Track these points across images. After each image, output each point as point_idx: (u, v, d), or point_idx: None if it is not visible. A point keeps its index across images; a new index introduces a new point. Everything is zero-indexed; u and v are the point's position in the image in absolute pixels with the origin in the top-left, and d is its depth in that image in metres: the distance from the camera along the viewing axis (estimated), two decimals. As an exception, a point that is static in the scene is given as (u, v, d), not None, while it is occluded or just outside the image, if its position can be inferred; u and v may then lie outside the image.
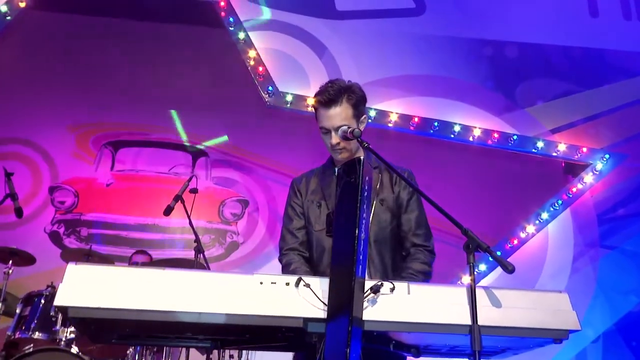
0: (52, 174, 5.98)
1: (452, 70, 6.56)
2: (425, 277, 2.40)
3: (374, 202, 2.44)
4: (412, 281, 1.97)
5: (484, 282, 5.81)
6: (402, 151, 5.93)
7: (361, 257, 1.74)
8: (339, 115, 2.38)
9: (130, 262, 5.00)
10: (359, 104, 2.44)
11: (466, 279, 5.61)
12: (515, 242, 6.12)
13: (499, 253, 5.79)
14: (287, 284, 1.81)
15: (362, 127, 2.45)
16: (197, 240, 4.30)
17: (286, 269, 2.44)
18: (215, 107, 6.23)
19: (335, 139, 2.40)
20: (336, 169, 2.53)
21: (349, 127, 2.30)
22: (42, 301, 4.05)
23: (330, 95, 2.38)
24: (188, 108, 6.21)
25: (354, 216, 1.75)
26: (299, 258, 2.46)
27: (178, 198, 4.27)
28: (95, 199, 5.97)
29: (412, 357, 2.14)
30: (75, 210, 5.92)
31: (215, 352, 4.15)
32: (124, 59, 6.28)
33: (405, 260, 2.47)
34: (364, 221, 1.77)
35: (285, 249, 2.53)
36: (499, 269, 5.78)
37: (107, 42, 6.31)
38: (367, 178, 1.81)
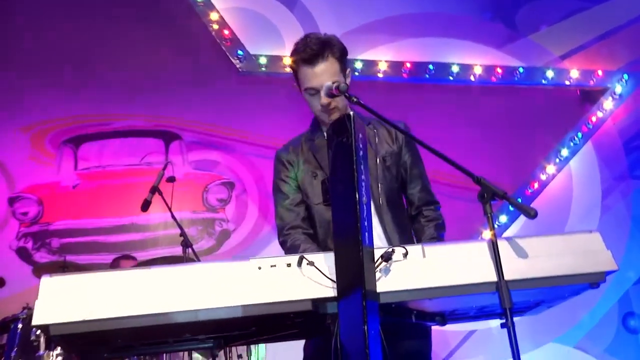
0: (8, 184, 5.94)
1: (442, 4, 6.49)
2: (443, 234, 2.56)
3: (377, 161, 2.47)
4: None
5: (507, 234, 5.86)
6: (396, 102, 5.90)
7: (366, 224, 1.74)
8: (327, 71, 2.38)
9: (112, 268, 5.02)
10: (342, 57, 2.45)
11: (487, 233, 5.64)
12: (536, 185, 6.16)
13: (519, 200, 5.85)
14: (289, 265, 1.82)
15: (348, 82, 2.45)
16: (182, 234, 4.31)
17: (293, 252, 2.40)
18: (180, 81, 6.17)
19: (325, 98, 2.39)
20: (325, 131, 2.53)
21: (333, 83, 2.29)
22: (20, 325, 4.03)
23: (313, 50, 2.38)
24: (150, 87, 6.13)
25: (352, 179, 1.75)
26: (305, 237, 2.45)
27: (155, 190, 4.26)
28: (62, 205, 5.95)
29: (438, 327, 2.17)
30: (41, 221, 5.90)
31: (221, 353, 4.19)
32: (71, 43, 6.17)
33: (417, 221, 2.56)
34: (363, 183, 1.77)
35: (286, 229, 2.50)
36: (522, 219, 5.82)
37: (48, 25, 6.19)
38: (360, 135, 1.81)
